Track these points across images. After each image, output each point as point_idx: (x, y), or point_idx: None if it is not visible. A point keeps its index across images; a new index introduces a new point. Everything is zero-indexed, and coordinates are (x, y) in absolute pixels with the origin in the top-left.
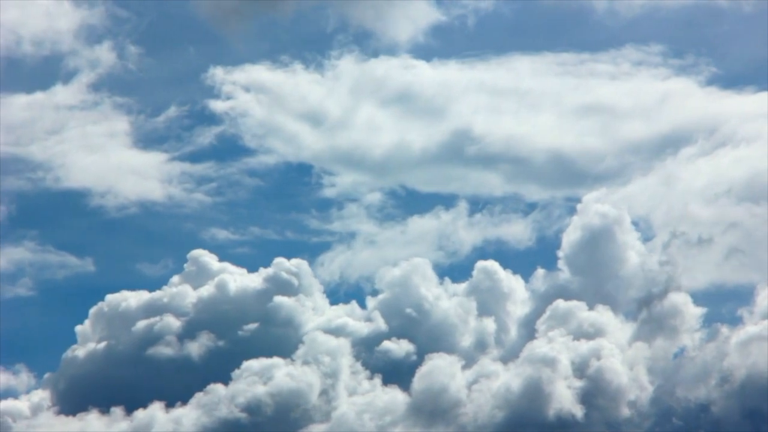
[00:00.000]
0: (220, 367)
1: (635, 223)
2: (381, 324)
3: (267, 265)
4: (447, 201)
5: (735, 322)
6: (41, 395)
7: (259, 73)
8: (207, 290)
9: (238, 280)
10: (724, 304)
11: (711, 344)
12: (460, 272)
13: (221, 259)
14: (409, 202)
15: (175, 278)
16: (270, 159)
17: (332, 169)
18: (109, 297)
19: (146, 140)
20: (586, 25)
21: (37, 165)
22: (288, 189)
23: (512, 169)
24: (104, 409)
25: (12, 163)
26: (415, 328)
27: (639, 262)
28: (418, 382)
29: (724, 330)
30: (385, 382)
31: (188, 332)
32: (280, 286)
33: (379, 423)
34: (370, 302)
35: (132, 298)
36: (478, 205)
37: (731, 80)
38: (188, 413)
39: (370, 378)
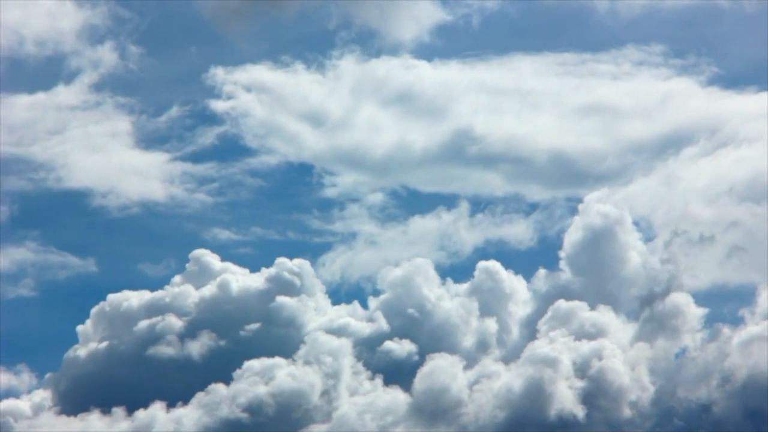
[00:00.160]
0: (221, 367)
1: (637, 224)
2: (383, 324)
3: (269, 265)
4: (448, 201)
5: (736, 322)
6: (42, 395)
7: (260, 73)
8: (209, 290)
9: (241, 280)
10: (725, 305)
11: (712, 344)
12: (462, 272)
13: (223, 259)
14: (410, 203)
15: (177, 278)
16: (271, 159)
17: (333, 169)
18: (111, 297)
19: (148, 140)
20: (587, 25)
21: (38, 165)
22: (289, 189)
23: (513, 169)
24: (106, 410)
25: (14, 164)
26: (417, 329)
27: (640, 263)
28: (419, 382)
29: (726, 330)
30: (387, 382)
31: (190, 332)
32: (283, 286)
33: (380, 423)
34: (372, 302)
35: (133, 298)
36: (479, 205)
37: (732, 80)
38: (189, 413)
39: (372, 378)
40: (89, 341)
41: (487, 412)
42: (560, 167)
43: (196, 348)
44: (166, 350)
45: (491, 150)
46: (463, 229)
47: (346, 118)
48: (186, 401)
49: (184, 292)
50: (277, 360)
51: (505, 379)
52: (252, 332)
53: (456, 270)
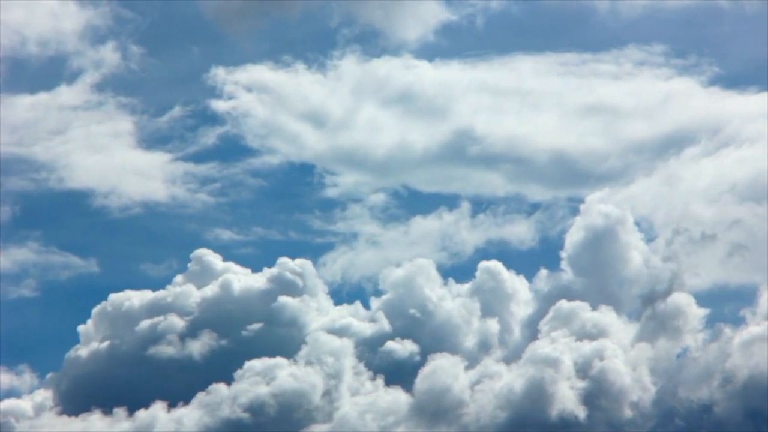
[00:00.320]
0: (223, 368)
1: (638, 224)
2: (385, 324)
3: (270, 265)
4: (449, 201)
5: (738, 322)
6: (44, 395)
7: (261, 73)
8: (211, 290)
9: (242, 280)
10: (726, 305)
11: (713, 345)
12: (463, 273)
13: (225, 259)
14: (411, 203)
15: (179, 278)
16: (273, 159)
17: (334, 169)
18: (113, 296)
19: (150, 140)
20: (589, 25)
21: (40, 165)
22: (291, 189)
23: (514, 169)
24: (107, 410)
25: (15, 164)
26: (419, 329)
27: (642, 263)
28: (420, 382)
29: (727, 330)
30: (388, 382)
31: (192, 332)
32: (285, 286)
33: (381, 423)
34: (374, 303)
35: (135, 298)
36: (480, 205)
37: (734, 80)
38: (190, 413)
39: (373, 379)
40: (90, 341)
41: (489, 412)
42: (561, 167)
43: (197, 348)
44: (167, 350)
45: (492, 150)
46: (464, 230)
47: (347, 118)
48: (187, 401)
49: (186, 291)
50: (279, 360)
51: (507, 380)
52: (254, 332)
53: (457, 270)
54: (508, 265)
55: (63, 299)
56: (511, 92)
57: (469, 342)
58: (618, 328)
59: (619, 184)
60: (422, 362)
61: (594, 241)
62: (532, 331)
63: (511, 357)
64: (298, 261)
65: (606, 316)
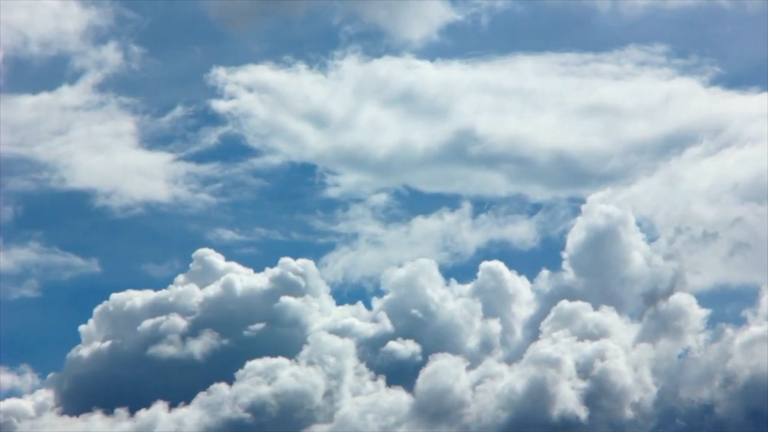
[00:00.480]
0: (224, 367)
1: (639, 224)
2: (387, 325)
3: (272, 266)
4: (450, 201)
5: (739, 323)
6: (45, 395)
7: (262, 73)
8: (213, 290)
9: (245, 280)
10: (728, 305)
11: (715, 345)
12: (465, 273)
13: (227, 259)
14: (412, 203)
15: (181, 277)
16: (274, 159)
17: (336, 169)
18: (114, 296)
19: (151, 140)
20: (589, 25)
21: (42, 166)
22: (292, 189)
23: (516, 170)
24: (108, 410)
25: (17, 164)
26: (421, 329)
27: (643, 263)
28: (422, 382)
29: (728, 331)
30: (390, 383)
31: (194, 332)
32: (287, 286)
33: (382, 424)
34: (376, 303)
35: (137, 298)
36: (481, 205)
37: (735, 80)
38: (191, 413)
39: (374, 379)
40: (92, 341)
41: (490, 412)
42: (563, 167)
43: (199, 348)
44: (169, 350)
45: (493, 150)
46: (465, 230)
47: (348, 118)
48: (188, 401)
49: (188, 291)
50: (280, 360)
51: (508, 380)
52: (256, 332)
53: (459, 270)
54: (510, 266)
55: (65, 299)
56: (513, 92)
57: (471, 342)
58: (619, 329)
59: (621, 185)
60: (424, 362)
61: (595, 242)
62: (533, 331)
63: (513, 357)
64: (300, 261)
65: (607, 316)
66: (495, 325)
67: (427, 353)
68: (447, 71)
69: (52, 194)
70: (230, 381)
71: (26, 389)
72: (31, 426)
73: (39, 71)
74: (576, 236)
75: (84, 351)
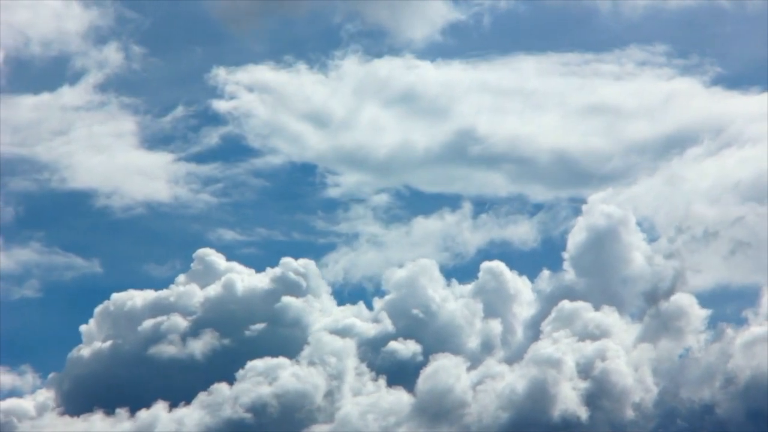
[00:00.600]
0: (226, 367)
1: (640, 224)
2: (388, 325)
3: (273, 266)
4: (451, 201)
5: (740, 323)
6: (46, 395)
7: (263, 73)
8: (214, 289)
9: (246, 280)
10: (728, 306)
11: (715, 345)
12: (466, 273)
13: (228, 259)
14: (413, 203)
15: (181, 277)
16: (275, 159)
17: (336, 169)
18: (115, 296)
19: (153, 141)
20: (590, 25)
21: (43, 166)
22: (293, 189)
23: (516, 170)
24: (109, 411)
25: (18, 164)
26: (422, 330)
27: (644, 263)
28: (422, 382)
29: (729, 331)
30: (391, 383)
31: (195, 332)
32: (288, 286)
33: (383, 424)
34: (377, 303)
35: (138, 297)
36: (482, 205)
37: (736, 80)
38: (191, 413)
39: (375, 379)
40: (92, 341)
41: (491, 412)
42: (563, 167)
43: (199, 348)
44: (170, 350)
45: (494, 150)
46: (466, 230)
47: (348, 119)
48: (189, 401)
49: (189, 291)
50: (281, 360)
51: (509, 380)
52: (257, 332)
53: (460, 271)
54: (511, 266)
55: (66, 300)
56: (513, 92)
57: (472, 343)
58: (620, 329)
59: (622, 185)
60: (425, 363)
61: (596, 242)
62: (535, 331)
63: (514, 357)
64: (302, 261)
65: (608, 316)
66: (496, 326)
67: (428, 353)
68: (448, 71)
69: (53, 194)
70: (231, 381)
71: (27, 389)
72: (31, 426)
73: (40, 71)
74: (577, 236)
75: (85, 351)
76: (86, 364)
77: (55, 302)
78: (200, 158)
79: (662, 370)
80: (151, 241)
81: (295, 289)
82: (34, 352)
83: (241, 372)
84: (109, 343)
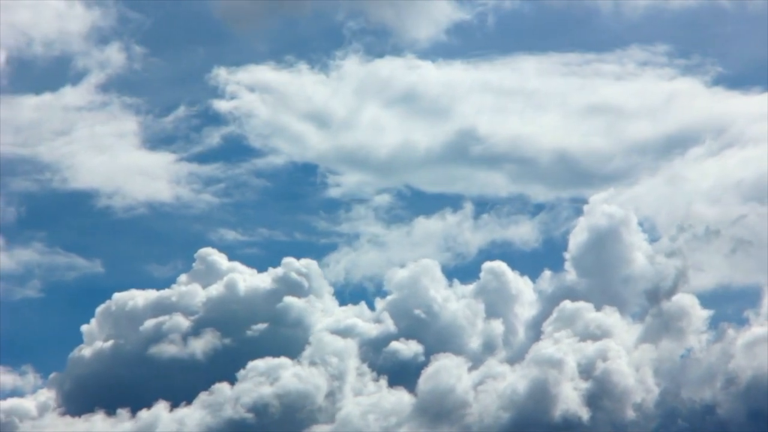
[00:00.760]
0: (227, 367)
1: (642, 224)
2: (390, 325)
3: (275, 267)
4: (452, 202)
5: (741, 323)
6: (47, 395)
7: (264, 73)
8: (216, 289)
9: (248, 280)
10: (730, 306)
11: (716, 346)
12: (467, 274)
13: (230, 259)
14: (414, 203)
15: (183, 277)
16: (277, 160)
17: (337, 169)
18: (116, 295)
19: (154, 141)
20: (592, 25)
21: (45, 166)
22: (295, 189)
23: (518, 170)
24: (110, 411)
25: (20, 164)
26: (424, 330)
27: (646, 263)
28: (424, 383)
29: (731, 331)
30: (392, 383)
31: (196, 332)
32: (290, 286)
33: (383, 424)
34: (379, 303)
35: (139, 297)
36: (483, 206)
37: (737, 80)
38: (192, 413)
39: (376, 380)
40: (94, 341)
41: (492, 413)
42: (565, 168)
43: (201, 348)
44: (171, 350)
45: (495, 150)
46: (467, 231)
47: (349, 118)
48: (190, 401)
49: (191, 291)
50: (282, 360)
51: (510, 380)
52: (258, 332)
53: (461, 271)
54: (512, 266)
55: (67, 300)
56: (514, 92)
57: (474, 343)
58: (622, 329)
59: (623, 185)
60: (426, 363)
61: (598, 242)
62: (536, 332)
63: (515, 358)
64: (304, 261)
65: (610, 316)
66: (498, 326)
67: (429, 354)
68: (449, 71)
69: (54, 194)
70: (232, 381)
71: (28, 389)
72: (32, 426)
73: (42, 71)
74: (578, 237)
75: (86, 351)
76: (87, 364)
77: (56, 302)
78: (202, 158)
79: (663, 371)
80: (153, 242)
81: (297, 290)
82: (35, 352)
83: (242, 372)
84: (110, 342)
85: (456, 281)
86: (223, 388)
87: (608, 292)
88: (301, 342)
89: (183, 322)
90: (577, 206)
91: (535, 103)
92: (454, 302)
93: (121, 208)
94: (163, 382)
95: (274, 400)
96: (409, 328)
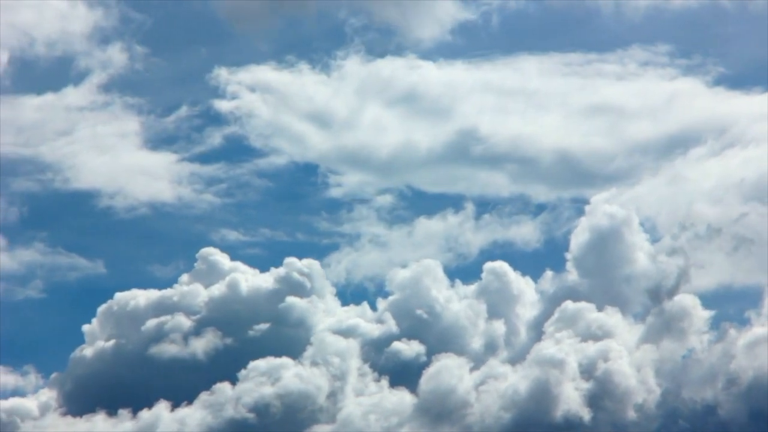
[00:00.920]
0: (229, 367)
1: (644, 224)
2: (392, 325)
3: (277, 267)
4: (454, 202)
5: (743, 323)
6: (48, 395)
7: (265, 73)
8: (218, 289)
9: (250, 279)
10: (731, 306)
11: (718, 346)
12: (469, 274)
13: (232, 260)
14: (416, 203)
15: (185, 277)
16: (278, 160)
17: (338, 169)
18: (118, 295)
19: (156, 141)
20: (593, 25)
21: (46, 166)
22: (296, 190)
23: (519, 170)
24: (111, 411)
25: (22, 165)
26: (426, 330)
27: (648, 263)
28: (425, 383)
29: (732, 332)
30: (394, 383)
31: (199, 331)
32: (293, 286)
33: (384, 424)
34: (381, 304)
35: (141, 297)
36: (484, 206)
37: (738, 80)
38: (193, 413)
39: (378, 380)
40: (95, 340)
41: (493, 413)
42: (566, 168)
43: (202, 347)
44: (176, 350)
45: (496, 150)
46: (469, 231)
47: (351, 118)
48: (191, 401)
49: (193, 291)
50: (284, 360)
51: (512, 381)
52: (260, 332)
53: (463, 271)
54: (514, 267)
55: (69, 300)
56: (516, 92)
57: (476, 343)
58: (623, 330)
59: (625, 185)
60: (428, 363)
61: (599, 242)
62: (538, 332)
63: (517, 358)
64: (306, 261)
65: (611, 317)
66: (499, 326)
67: (431, 354)
68: (450, 71)
69: (56, 195)
70: (233, 381)
71: (30, 389)
72: (34, 426)
73: (44, 72)
74: (580, 237)
75: (87, 351)
76: (89, 364)
77: (58, 302)
78: (204, 158)
79: (665, 371)
80: (155, 242)
81: (299, 290)
82: (36, 352)
83: (243, 372)
84: (111, 342)
85: (458, 281)
86: (224, 388)
87: (610, 292)
88: (302, 342)
89: (185, 322)
90: (579, 206)
91: (536, 103)
92: (455, 302)
93: (123, 208)
94: (164, 382)
95: (276, 400)
96: (411, 329)
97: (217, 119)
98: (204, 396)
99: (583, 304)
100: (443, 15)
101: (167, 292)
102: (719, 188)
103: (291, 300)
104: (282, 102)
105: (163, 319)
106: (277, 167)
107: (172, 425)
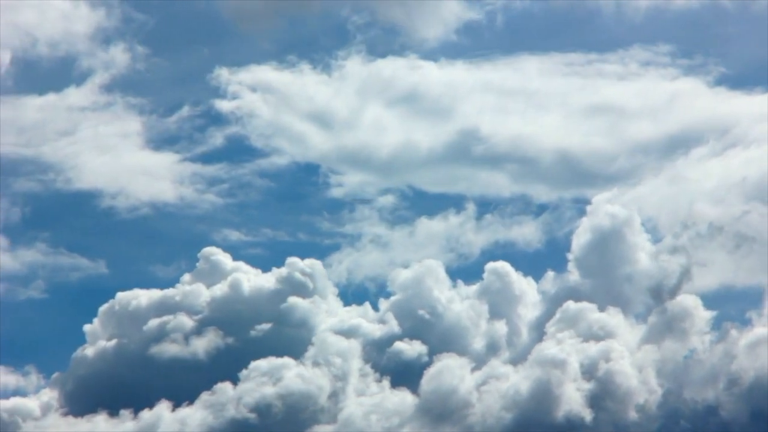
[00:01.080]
0: (230, 367)
1: (645, 224)
2: (394, 326)
3: (279, 266)
4: (455, 202)
5: (744, 323)
6: (50, 395)
7: (265, 73)
8: (220, 289)
9: (252, 279)
10: (732, 306)
11: (719, 346)
12: (470, 274)
13: (234, 260)
14: (417, 203)
15: (187, 276)
16: (280, 160)
17: (339, 169)
18: (120, 295)
19: (158, 141)
20: (594, 25)
21: (48, 166)
22: (298, 190)
23: (520, 170)
24: (113, 411)
25: (24, 165)
26: (428, 330)
27: (649, 263)
28: (426, 383)
29: (733, 332)
30: (395, 383)
31: (200, 331)
32: (295, 286)
33: (386, 425)
34: (383, 304)
35: (143, 297)
36: (486, 206)
37: (740, 80)
38: (195, 413)
39: (379, 380)
40: (97, 340)
41: (494, 413)
42: (567, 168)
43: (204, 347)
44: (175, 349)
45: (497, 150)
46: (470, 231)
47: (352, 119)
48: (192, 401)
49: (195, 290)
50: (285, 360)
51: (513, 381)
52: (262, 332)
53: (464, 271)
54: (515, 267)
55: (71, 300)
56: (517, 92)
57: (477, 343)
58: (625, 330)
59: (626, 185)
60: (430, 363)
61: (601, 242)
62: (540, 333)
63: (518, 358)
64: (308, 261)
65: (613, 317)
66: (501, 326)
67: (433, 354)
68: (451, 71)
69: (58, 195)
70: (235, 381)
71: (31, 389)
72: (35, 426)
73: (46, 72)
74: (581, 237)
75: (89, 351)
76: (90, 364)
77: (59, 302)
78: (205, 158)
79: (667, 371)
80: (157, 242)
81: (301, 290)
82: (38, 352)
83: (245, 372)
84: (113, 342)
85: (460, 282)
86: (225, 388)
87: (611, 292)
88: (304, 342)
89: (186, 321)
90: (580, 206)
91: (537, 103)
92: (457, 303)
93: (125, 209)
94: (165, 382)
95: (277, 401)
96: (413, 329)
97: (218, 119)
98: (205, 396)
99: (584, 305)
100: (448, 15)
101: (169, 292)
102: (721, 188)
103: (293, 300)
104: (283, 102)
105: (164, 319)
106: (279, 167)
107: (174, 425)
